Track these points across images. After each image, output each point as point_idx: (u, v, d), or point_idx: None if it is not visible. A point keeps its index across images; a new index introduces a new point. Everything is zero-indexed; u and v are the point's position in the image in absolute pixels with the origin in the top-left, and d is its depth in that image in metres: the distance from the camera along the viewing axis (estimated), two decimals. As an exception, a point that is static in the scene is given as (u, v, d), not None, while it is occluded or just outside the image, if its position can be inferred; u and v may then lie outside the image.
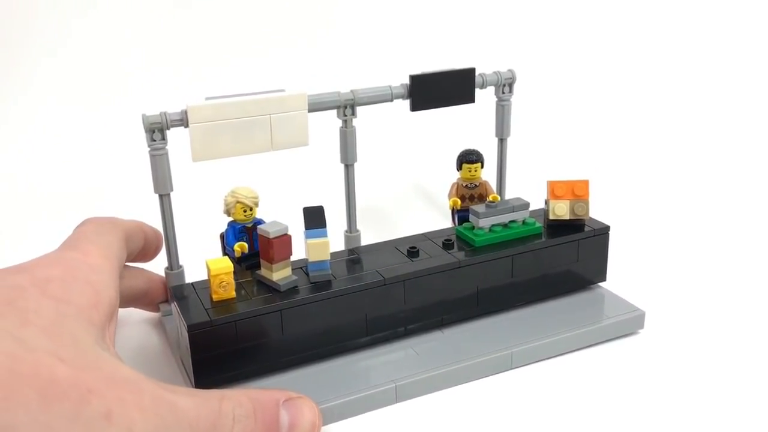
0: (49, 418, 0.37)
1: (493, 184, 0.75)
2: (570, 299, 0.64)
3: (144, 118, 0.58)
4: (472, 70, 0.68)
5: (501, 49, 1.20)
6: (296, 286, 0.55)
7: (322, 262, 0.56)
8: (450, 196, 0.70)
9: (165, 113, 0.59)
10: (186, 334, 0.51)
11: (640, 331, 0.62)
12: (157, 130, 0.59)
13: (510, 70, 0.71)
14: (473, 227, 0.62)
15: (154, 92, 1.10)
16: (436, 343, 0.58)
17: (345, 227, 0.69)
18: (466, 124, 0.87)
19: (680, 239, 0.80)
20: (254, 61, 1.18)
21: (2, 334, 0.40)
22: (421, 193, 0.92)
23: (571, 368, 0.57)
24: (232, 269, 0.53)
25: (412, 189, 0.94)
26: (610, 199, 0.88)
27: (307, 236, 0.55)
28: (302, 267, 0.57)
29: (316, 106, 0.63)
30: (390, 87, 0.66)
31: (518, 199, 0.64)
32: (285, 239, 0.54)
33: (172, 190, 0.61)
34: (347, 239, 0.69)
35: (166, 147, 0.60)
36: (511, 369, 0.57)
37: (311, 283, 0.56)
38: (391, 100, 0.67)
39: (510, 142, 0.74)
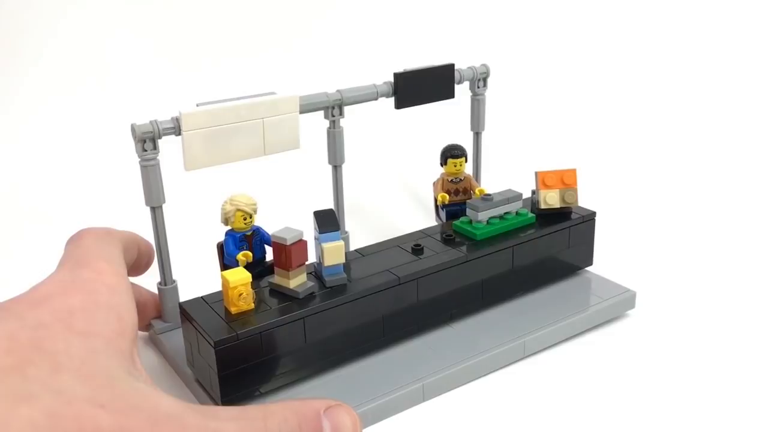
0: None
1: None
2: (562, 285, 0.66)
3: (135, 127, 0.55)
4: (451, 66, 0.69)
5: (472, 44, 1.20)
6: (313, 293, 0.54)
7: (337, 265, 0.55)
8: (436, 191, 0.70)
9: (156, 121, 0.56)
10: (211, 351, 0.49)
11: (631, 311, 0.65)
12: (148, 140, 0.56)
13: (484, 65, 0.72)
14: (470, 221, 0.63)
15: (130, 100, 1.04)
16: (448, 339, 0.59)
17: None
18: (439, 120, 0.88)
19: (658, 222, 0.83)
20: (229, 64, 1.14)
21: (37, 387, 0.37)
22: (401, 190, 0.92)
23: (576, 352, 0.59)
24: (250, 280, 0.51)
25: (392, 187, 0.93)
26: (586, 188, 0.91)
27: (322, 240, 0.54)
28: (311, 272, 0.56)
29: (306, 107, 0.62)
30: (375, 85, 0.66)
31: (510, 191, 0.65)
32: (301, 245, 0.53)
33: (164, 201, 0.58)
34: (336, 241, 0.68)
35: (158, 157, 0.57)
36: (524, 358, 0.58)
37: (327, 287, 0.54)
38: (377, 99, 0.66)
39: (483, 135, 0.75)
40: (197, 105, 0.57)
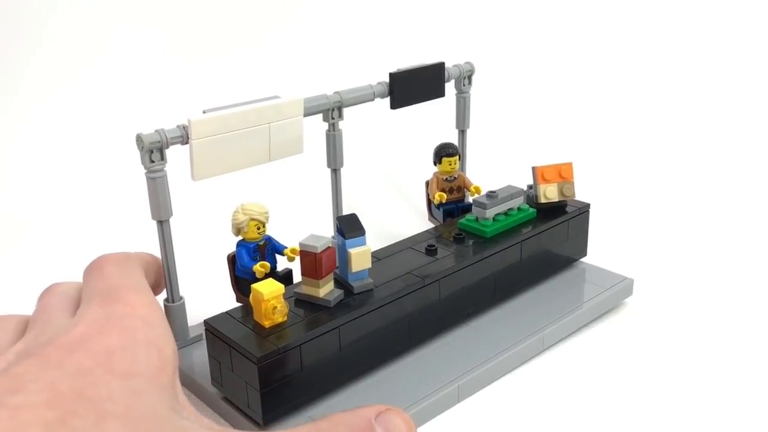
0: None
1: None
2: (562, 277, 0.67)
3: (142, 137, 0.52)
4: (441, 65, 0.69)
5: (457, 42, 1.19)
6: (343, 300, 0.53)
7: (363, 270, 0.54)
8: (432, 191, 0.70)
9: (163, 131, 0.53)
10: (253, 368, 0.47)
11: (629, 299, 0.67)
12: (156, 150, 0.53)
13: (469, 63, 0.72)
14: (476, 219, 0.63)
15: (126, 105, 0.98)
16: (470, 338, 0.59)
17: (332, 233, 0.67)
18: (424, 119, 0.87)
19: (647, 213, 0.86)
20: (218, 65, 1.09)
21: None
22: (393, 191, 0.91)
23: (586, 341, 0.61)
24: (283, 291, 0.50)
25: (384, 188, 0.92)
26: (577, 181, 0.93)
27: (348, 246, 0.53)
28: (334, 279, 0.55)
29: (307, 110, 0.61)
30: (371, 86, 0.65)
31: (511, 186, 0.66)
32: (330, 252, 0.52)
33: (171, 215, 0.55)
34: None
35: (165, 168, 0.54)
36: (543, 352, 0.59)
37: (355, 294, 0.53)
38: (373, 100, 0.65)
39: (470, 132, 0.75)
40: (203, 112, 0.55)
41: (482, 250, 0.60)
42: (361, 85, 0.64)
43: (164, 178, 0.54)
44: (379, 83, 0.65)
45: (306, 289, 0.52)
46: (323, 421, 0.42)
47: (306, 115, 0.61)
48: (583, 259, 0.70)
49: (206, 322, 0.51)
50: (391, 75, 0.65)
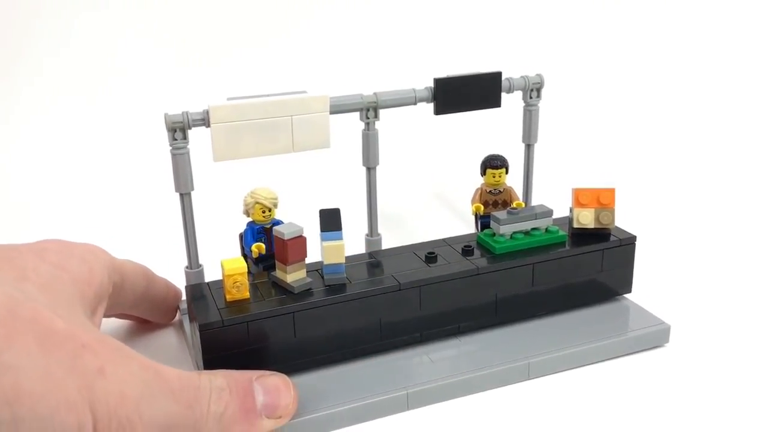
0: (48, 364, 0.39)
1: (519, 190, 0.73)
2: (593, 310, 0.62)
3: (166, 117, 0.58)
4: (498, 74, 0.67)
5: (530, 53, 1.18)
6: (310, 289, 0.55)
7: (338, 265, 0.55)
8: (473, 201, 0.69)
9: (187, 113, 0.59)
10: (198, 333, 0.51)
11: (665, 345, 0.60)
12: (178, 129, 0.59)
13: (538, 75, 0.69)
14: (494, 234, 0.61)
15: (175, 91, 1.09)
16: (451, 351, 0.57)
17: (366, 231, 0.68)
18: (492, 128, 0.86)
19: (712, 251, 0.77)
20: (277, 61, 1.18)
21: (2, 282, 0.42)
22: (444, 197, 0.91)
23: (590, 381, 0.56)
24: (246, 270, 0.53)
25: (434, 193, 0.93)
26: (640, 208, 0.87)
27: (323, 238, 0.55)
28: (318, 269, 0.57)
29: (338, 108, 0.63)
30: (414, 90, 0.65)
31: (542, 206, 0.62)
32: (300, 241, 0.54)
33: (192, 189, 0.61)
34: (368, 243, 0.68)
35: (188, 146, 0.60)
36: (528, 380, 0.56)
37: (326, 286, 0.55)
38: (415, 104, 0.66)
39: (538, 147, 0.72)
40: (228, 99, 0.60)
41: (481, 266, 0.58)
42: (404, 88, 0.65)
43: (186, 155, 0.60)
44: (425, 88, 0.66)
45: (278, 273, 0.55)
46: (215, 372, 0.47)
47: (338, 112, 0.63)
48: (629, 296, 0.65)
49: (186, 287, 0.56)
50: (435, 80, 0.65)
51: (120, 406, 0.41)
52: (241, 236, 0.62)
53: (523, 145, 0.72)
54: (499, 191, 0.68)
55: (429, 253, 0.59)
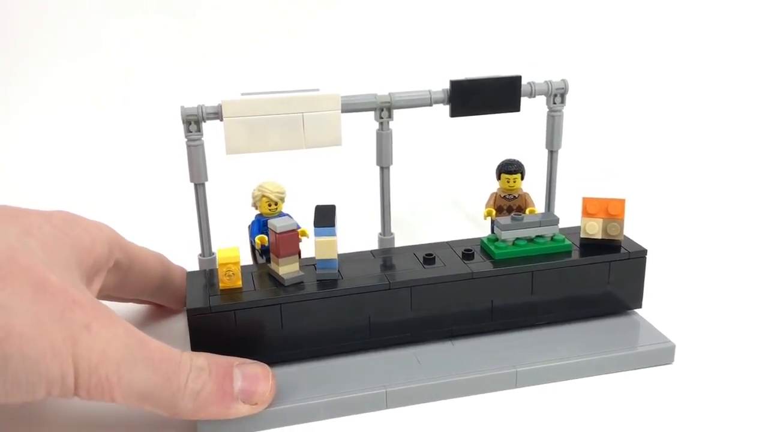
0: (38, 310, 0.42)
1: (542, 196, 0.72)
2: (597, 323, 0.61)
3: (182, 109, 0.61)
4: (518, 78, 0.66)
5: (558, 57, 1.17)
6: (302, 282, 0.56)
7: (330, 260, 0.56)
8: (487, 205, 0.68)
9: (202, 106, 0.61)
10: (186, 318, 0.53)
11: (669, 364, 0.58)
12: (193, 122, 0.61)
13: (563, 80, 0.68)
14: (497, 239, 0.60)
15: (196, 86, 1.12)
16: (441, 353, 0.57)
17: (379, 230, 0.69)
18: (515, 132, 0.85)
19: (732, 269, 0.73)
20: (299, 59, 1.19)
21: (6, 233, 0.45)
22: (460, 200, 0.90)
23: (579, 395, 0.54)
24: (239, 259, 0.55)
25: (451, 195, 0.92)
26: (661, 219, 0.84)
27: (316, 234, 0.56)
28: (314, 264, 0.58)
29: (352, 107, 0.64)
30: (429, 91, 0.66)
31: (549, 213, 0.61)
32: (292, 235, 0.55)
33: (206, 179, 0.64)
34: (381, 242, 0.69)
35: (202, 138, 0.62)
36: (515, 388, 0.55)
37: (317, 280, 0.56)
38: (431, 105, 0.66)
39: (562, 153, 0.71)
40: (241, 94, 0.62)
41: (478, 271, 0.57)
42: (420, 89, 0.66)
43: (200, 147, 0.62)
44: (441, 90, 0.66)
45: (272, 265, 0.57)
46: (198, 353, 0.49)
47: (351, 111, 0.64)
48: (639, 311, 0.62)
49: (187, 273, 0.59)
50: (451, 82, 0.65)
51: (101, 364, 0.43)
52: (249, 227, 0.64)
53: (546, 151, 0.71)
54: (514, 197, 0.67)
55: (427, 254, 0.59)
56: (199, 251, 0.66)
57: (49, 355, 0.42)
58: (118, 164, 1.04)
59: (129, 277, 0.59)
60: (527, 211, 0.66)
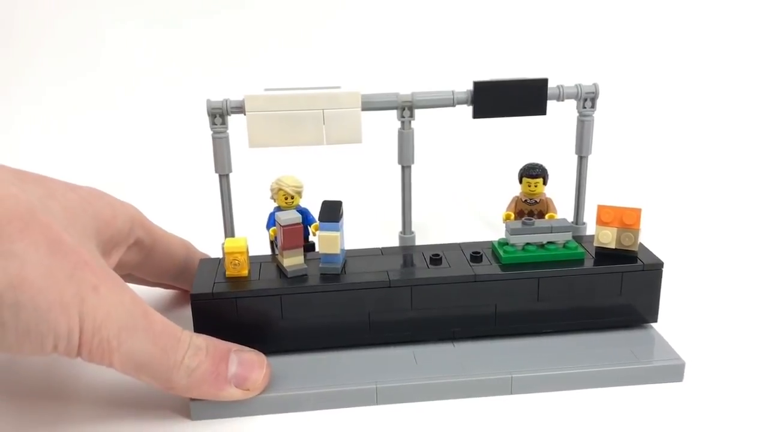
0: (51, 264, 0.44)
1: (570, 203, 0.71)
2: (605, 335, 0.59)
3: (207, 102, 0.63)
4: (544, 81, 0.65)
5: (587, 61, 1.14)
6: (305, 275, 0.57)
7: (333, 255, 0.57)
8: (508, 209, 0.67)
9: (227, 100, 0.64)
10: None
11: (677, 382, 0.56)
12: (218, 115, 0.64)
13: (594, 84, 0.66)
14: (507, 243, 0.60)
15: (227, 81, 1.13)
16: (440, 354, 0.57)
17: (399, 228, 0.70)
18: (542, 135, 0.83)
19: (758, 288, 0.70)
20: (327, 57, 1.19)
21: (30, 192, 0.47)
22: (481, 202, 0.89)
23: (578, 407, 0.53)
24: (245, 249, 0.57)
25: (472, 197, 0.91)
26: (693, 230, 0.81)
27: (321, 229, 0.57)
28: (318, 257, 0.59)
29: (373, 105, 0.64)
30: (452, 92, 0.65)
31: (563, 220, 0.60)
32: (296, 229, 0.57)
33: (231, 171, 0.66)
34: (401, 240, 0.69)
35: (227, 131, 0.64)
36: (511, 395, 0.55)
37: (321, 274, 0.57)
38: (453, 105, 0.66)
39: (592, 159, 0.69)
40: (264, 89, 0.64)
41: (481, 274, 0.57)
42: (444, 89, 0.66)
43: (224, 139, 0.64)
44: (466, 90, 0.66)
45: (279, 257, 0.58)
46: (199, 334, 0.51)
47: (372, 109, 0.65)
48: (655, 325, 0.60)
49: (200, 260, 0.61)
50: (474, 83, 0.65)
51: (104, 326, 0.46)
52: (269, 219, 0.66)
53: (576, 157, 0.70)
54: (535, 201, 0.66)
55: (434, 254, 0.59)
56: (223, 240, 0.68)
57: (58, 308, 0.44)
58: (149, 156, 1.09)
59: (151, 258, 0.62)
60: (546, 217, 0.64)
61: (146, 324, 0.48)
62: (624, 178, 0.97)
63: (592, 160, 0.69)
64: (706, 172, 1.01)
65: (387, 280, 0.56)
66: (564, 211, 0.68)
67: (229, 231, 0.68)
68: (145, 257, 0.61)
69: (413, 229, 0.70)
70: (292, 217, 0.57)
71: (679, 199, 0.91)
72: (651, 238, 0.74)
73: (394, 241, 0.69)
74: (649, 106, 1.14)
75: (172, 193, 0.96)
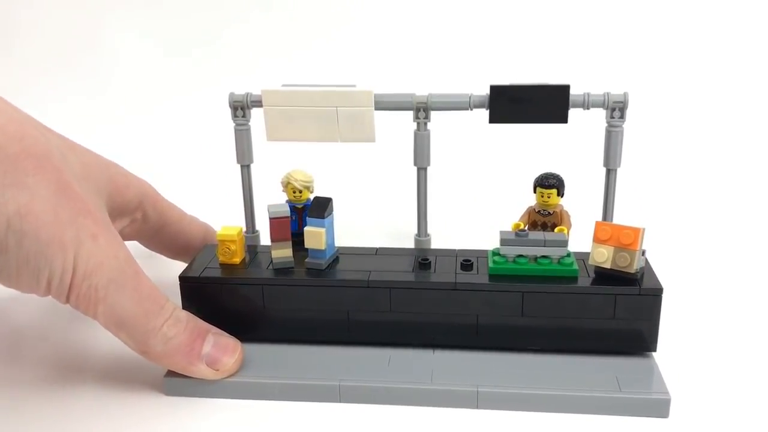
0: (57, 204, 0.48)
1: (593, 219, 0.67)
2: (594, 359, 0.56)
3: (230, 95, 0.66)
4: (565, 88, 0.62)
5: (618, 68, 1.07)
6: (290, 268, 0.58)
7: (318, 251, 0.58)
8: (521, 219, 0.65)
9: (249, 94, 0.66)
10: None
11: (662, 418, 0.52)
12: (239, 108, 0.66)
13: (624, 93, 0.62)
14: (498, 253, 0.58)
15: (256, 75, 1.15)
16: (415, 360, 0.56)
17: (415, 230, 0.69)
18: (566, 144, 0.78)
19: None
20: (352, 57, 1.18)
21: (51, 141, 0.51)
22: (501, 210, 0.85)
23: (546, 430, 0.51)
24: (236, 238, 0.59)
25: (492, 203, 0.87)
26: (718, 253, 0.75)
27: (307, 224, 0.58)
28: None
29: (386, 104, 0.64)
30: (470, 95, 0.64)
31: (559, 235, 0.57)
32: (283, 221, 0.58)
33: (252, 161, 0.68)
34: (417, 242, 0.69)
35: (249, 124, 0.67)
36: (476, 409, 0.53)
37: (306, 269, 0.58)
38: (470, 109, 0.64)
39: (622, 173, 0.65)
40: (282, 85, 0.66)
41: (461, 282, 0.56)
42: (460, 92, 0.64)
43: (246, 132, 0.67)
44: (485, 94, 0.64)
45: (270, 248, 0.60)
46: (183, 310, 0.55)
47: (387, 109, 0.65)
48: (655, 354, 0.56)
49: (205, 246, 0.64)
50: (491, 87, 0.63)
51: (95, 273, 0.49)
52: (283, 210, 0.68)
53: (604, 169, 0.66)
54: (549, 213, 0.63)
55: (423, 259, 0.59)
56: (245, 228, 0.71)
57: (57, 245, 0.47)
58: (176, 147, 1.13)
59: (161, 236, 0.66)
60: (557, 229, 0.62)
61: (135, 284, 0.51)
62: (651, 193, 0.90)
63: (621, 174, 0.65)
64: (741, 191, 0.92)
65: (366, 280, 0.56)
66: (583, 226, 0.65)
67: (249, 218, 0.70)
68: (153, 234, 0.65)
69: (429, 231, 0.69)
70: (281, 209, 0.58)
71: (710, 219, 0.84)
72: (676, 260, 0.69)
73: (409, 243, 0.69)
74: (678, 117, 1.06)
75: (199, 182, 1.00)
